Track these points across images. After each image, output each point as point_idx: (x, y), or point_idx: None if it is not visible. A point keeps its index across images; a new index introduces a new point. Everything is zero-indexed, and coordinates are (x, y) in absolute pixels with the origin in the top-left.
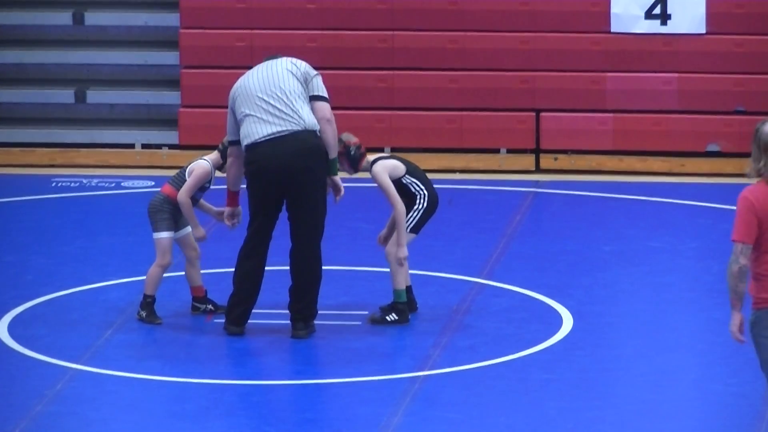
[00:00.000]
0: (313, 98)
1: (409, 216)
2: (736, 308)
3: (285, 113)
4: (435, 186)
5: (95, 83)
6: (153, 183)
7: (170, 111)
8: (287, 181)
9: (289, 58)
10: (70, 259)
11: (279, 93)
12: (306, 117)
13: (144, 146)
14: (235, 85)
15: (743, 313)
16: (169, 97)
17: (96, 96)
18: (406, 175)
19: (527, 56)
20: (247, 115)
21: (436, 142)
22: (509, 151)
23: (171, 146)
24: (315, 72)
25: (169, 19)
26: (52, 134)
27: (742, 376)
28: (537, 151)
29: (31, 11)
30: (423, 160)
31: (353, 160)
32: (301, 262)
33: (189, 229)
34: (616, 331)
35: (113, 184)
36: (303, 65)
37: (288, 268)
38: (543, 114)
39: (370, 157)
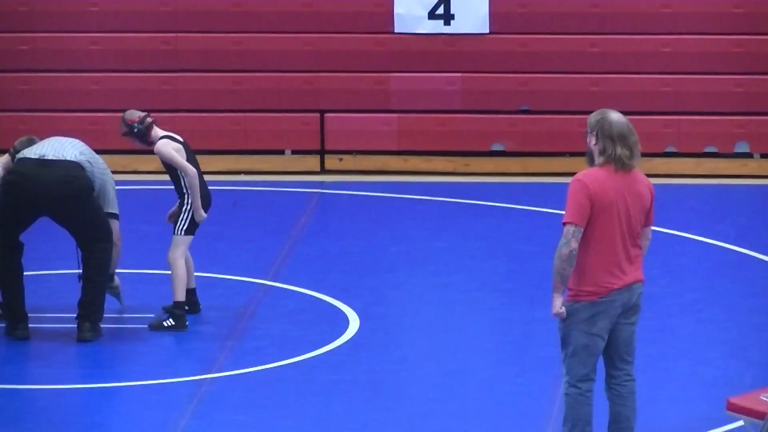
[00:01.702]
0: (109, 215)
1: (180, 219)
2: (559, 291)
3: (57, 152)
4: (219, 188)
5: None
6: None
7: None
8: (48, 206)
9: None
10: None
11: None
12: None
13: None
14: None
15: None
16: None
17: None
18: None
19: (311, 57)
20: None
21: (220, 144)
22: (294, 152)
23: None
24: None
25: None
26: None
27: (529, 375)
28: (322, 152)
29: None
30: (207, 162)
31: (139, 136)
32: (87, 267)
33: None
34: (403, 332)
35: None
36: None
37: (73, 272)
38: (327, 115)
39: (160, 132)
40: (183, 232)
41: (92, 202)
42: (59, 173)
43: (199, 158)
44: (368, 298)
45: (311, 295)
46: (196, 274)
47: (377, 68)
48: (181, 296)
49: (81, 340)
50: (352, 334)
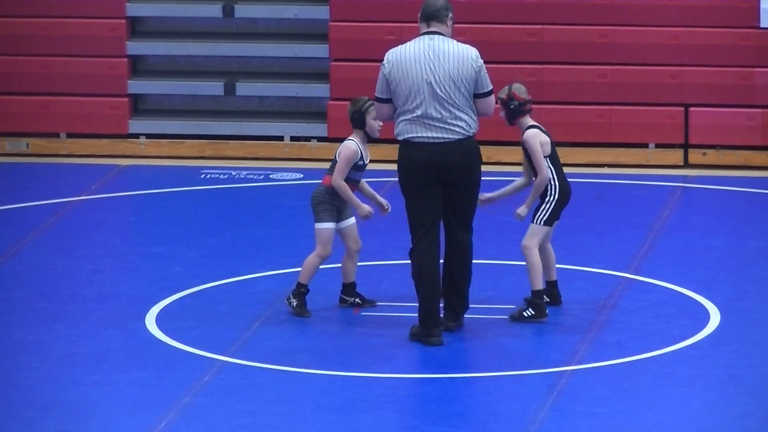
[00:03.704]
0: (480, 95)
1: (540, 209)
2: None
3: (451, 123)
4: (582, 180)
5: (244, 75)
6: (301, 175)
7: (319, 104)
8: (448, 174)
9: (461, 49)
10: (218, 252)
11: (450, 93)
12: (470, 124)
13: (293, 138)
14: (398, 53)
15: None
16: (319, 89)
17: (245, 88)
18: (546, 159)
19: (676, 51)
20: (411, 108)
21: (584, 137)
22: (657, 146)
23: (319, 139)
24: (481, 63)
25: (318, 11)
26: (201, 126)
27: None
28: (686, 146)
29: (181, 3)
30: (570, 154)
31: (510, 113)
32: (459, 256)
33: (352, 220)
34: (763, 327)
35: (262, 177)
36: (478, 64)
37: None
38: (692, 109)
39: (530, 121)
40: (542, 222)
41: (480, 176)
42: (456, 151)
43: (563, 150)
44: (729, 292)
45: (672, 289)
46: (557, 266)
47: (742, 63)
48: (538, 284)
49: (444, 330)
50: (713, 329)
